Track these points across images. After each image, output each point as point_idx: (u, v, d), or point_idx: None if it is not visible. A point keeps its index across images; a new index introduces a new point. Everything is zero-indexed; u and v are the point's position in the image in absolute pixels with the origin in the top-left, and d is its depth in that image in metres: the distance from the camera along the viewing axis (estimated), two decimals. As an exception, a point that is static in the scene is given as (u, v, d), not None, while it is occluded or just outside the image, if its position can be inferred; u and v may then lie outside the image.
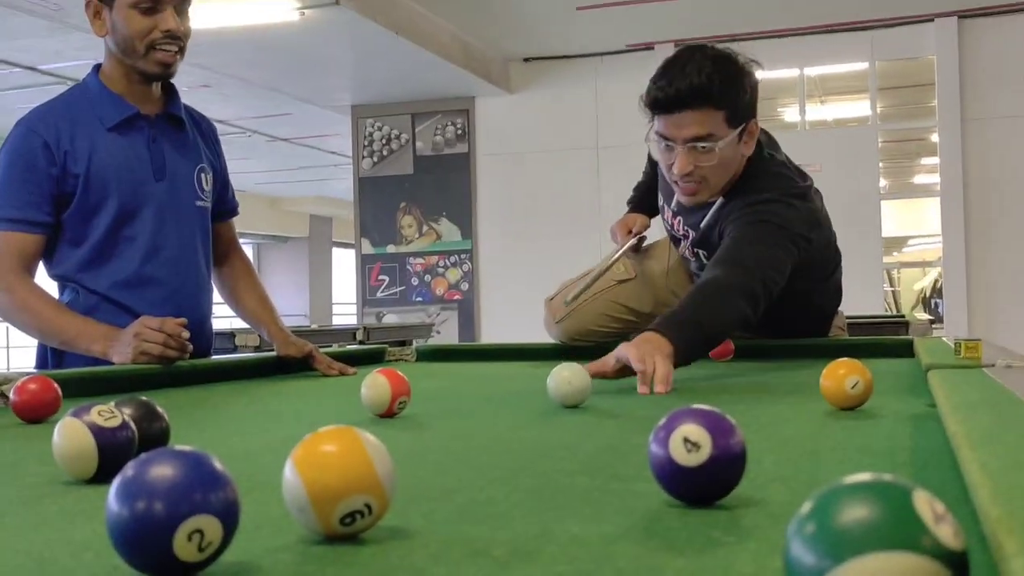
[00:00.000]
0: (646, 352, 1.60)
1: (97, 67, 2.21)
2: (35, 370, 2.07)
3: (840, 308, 2.52)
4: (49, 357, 2.15)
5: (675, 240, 2.38)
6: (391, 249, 8.84)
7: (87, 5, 2.11)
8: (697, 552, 0.57)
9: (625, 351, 1.62)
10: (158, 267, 2.18)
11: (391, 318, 8.72)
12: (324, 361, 2.23)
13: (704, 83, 1.94)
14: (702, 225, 2.18)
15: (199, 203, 2.27)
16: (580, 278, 2.58)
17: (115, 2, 2.07)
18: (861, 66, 7.93)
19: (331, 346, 2.59)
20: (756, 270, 1.89)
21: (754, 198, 2.04)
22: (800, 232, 2.00)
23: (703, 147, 1.99)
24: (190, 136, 2.29)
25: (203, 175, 2.28)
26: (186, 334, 1.98)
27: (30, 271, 2.12)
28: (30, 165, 2.08)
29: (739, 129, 2.01)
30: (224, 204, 2.41)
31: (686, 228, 2.26)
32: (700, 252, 2.24)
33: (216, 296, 2.40)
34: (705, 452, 0.68)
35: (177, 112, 2.25)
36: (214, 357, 2.31)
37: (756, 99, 2.07)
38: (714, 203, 2.13)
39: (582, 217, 8.06)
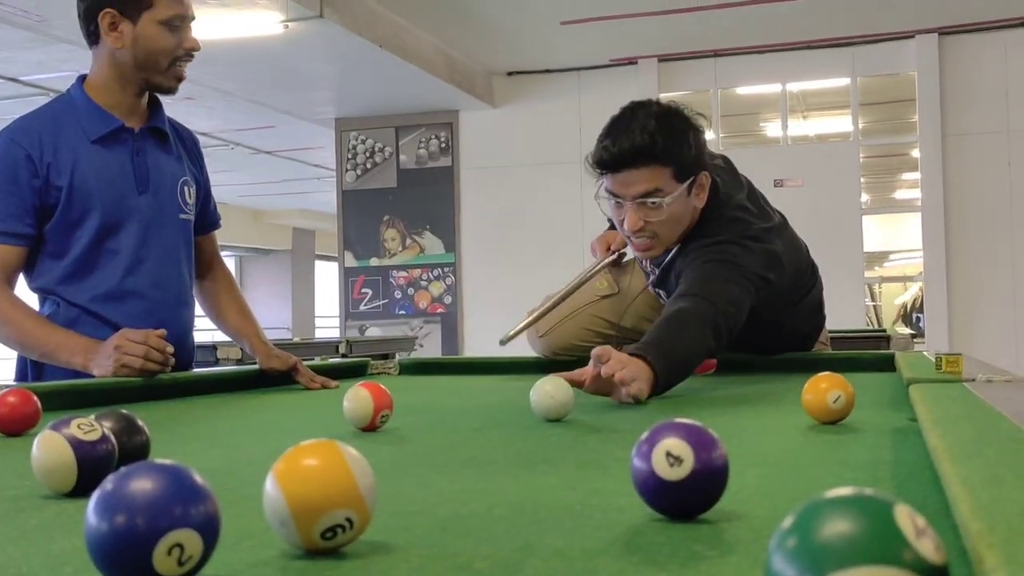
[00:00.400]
0: (628, 365, 1.61)
1: (82, 78, 2.20)
2: (14, 383, 2.05)
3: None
4: (29, 369, 2.13)
5: (644, 272, 2.40)
6: (374, 262, 8.83)
7: (101, 16, 2.08)
8: (679, 566, 0.57)
9: (607, 352, 1.63)
10: (140, 280, 2.16)
11: (374, 331, 8.70)
12: (307, 374, 2.22)
13: (647, 142, 1.94)
14: (661, 266, 2.20)
15: (182, 216, 2.26)
16: (563, 291, 2.58)
17: (142, 17, 2.07)
18: (843, 82, 7.99)
19: (314, 359, 2.58)
20: (718, 302, 1.90)
21: (709, 240, 2.04)
22: (755, 271, 2.00)
23: (652, 203, 2.00)
24: (174, 149, 2.28)
25: (186, 188, 2.27)
26: (170, 348, 1.97)
27: (10, 283, 2.10)
28: (12, 177, 2.07)
29: (687, 183, 2.01)
30: (206, 217, 2.40)
31: (651, 266, 2.27)
32: (659, 292, 2.26)
33: (198, 309, 2.39)
34: (687, 466, 0.68)
35: (161, 125, 2.24)
36: (195, 370, 2.30)
37: (704, 152, 2.07)
38: (671, 249, 2.15)
39: (565, 231, 8.08)
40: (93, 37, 2.13)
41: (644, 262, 2.31)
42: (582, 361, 2.11)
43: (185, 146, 2.34)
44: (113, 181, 2.13)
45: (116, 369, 1.92)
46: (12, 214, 2.06)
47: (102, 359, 1.95)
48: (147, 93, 2.20)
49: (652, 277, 2.27)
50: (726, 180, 2.16)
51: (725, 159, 2.32)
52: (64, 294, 2.12)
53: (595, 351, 1.64)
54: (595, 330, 2.46)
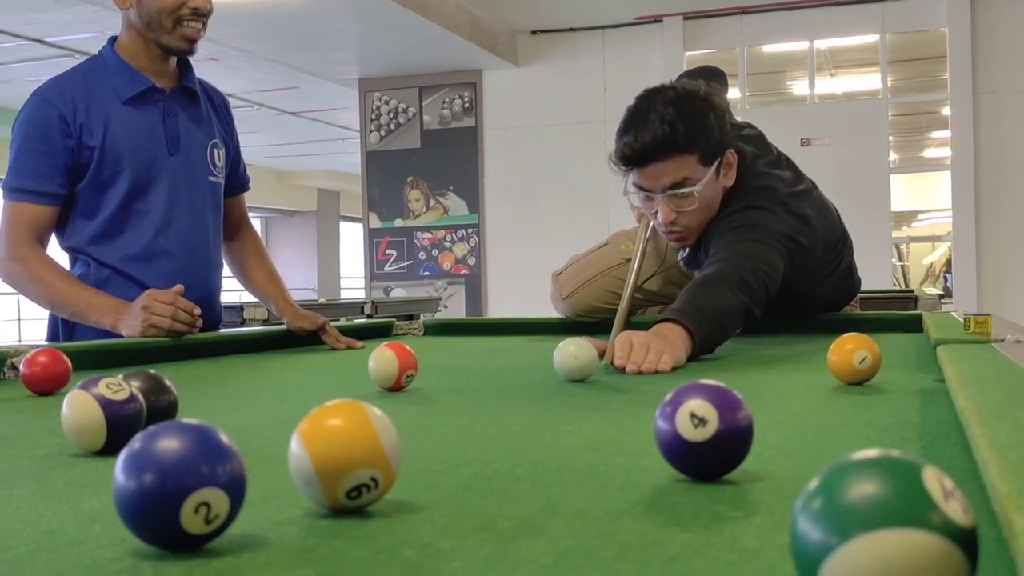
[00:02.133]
0: (651, 347, 1.55)
1: (113, 39, 2.21)
2: (46, 342, 2.08)
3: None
4: (60, 329, 2.16)
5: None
6: (399, 223, 8.83)
7: None
8: (703, 527, 0.57)
9: (624, 346, 1.54)
10: (170, 241, 2.18)
11: (398, 292, 8.73)
12: (333, 335, 2.24)
13: (669, 132, 1.90)
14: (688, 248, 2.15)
15: (211, 178, 2.28)
16: (588, 253, 2.57)
17: None
18: (872, 38, 7.87)
19: (339, 320, 2.60)
20: (743, 262, 1.86)
21: (734, 209, 2.01)
22: (783, 233, 1.96)
23: (682, 192, 1.96)
24: (204, 110, 2.29)
25: (216, 150, 2.29)
26: (197, 310, 1.98)
27: (42, 242, 2.13)
28: (45, 136, 2.09)
29: (715, 165, 1.97)
30: (236, 179, 2.42)
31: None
32: (692, 271, 2.22)
33: (225, 270, 2.41)
34: (712, 427, 0.68)
35: (192, 85, 2.25)
36: (222, 331, 2.31)
37: (727, 131, 2.01)
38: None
39: (589, 191, 8.04)
40: None
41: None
42: (605, 323, 2.10)
43: (215, 107, 2.35)
44: (144, 142, 2.15)
45: (144, 329, 1.94)
46: (44, 173, 2.08)
47: (130, 319, 1.97)
48: (181, 56, 2.20)
49: (683, 254, 2.23)
50: (752, 149, 2.13)
51: (752, 126, 2.29)
52: (95, 254, 2.15)
53: (616, 352, 1.53)
54: (619, 292, 2.45)
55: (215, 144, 2.29)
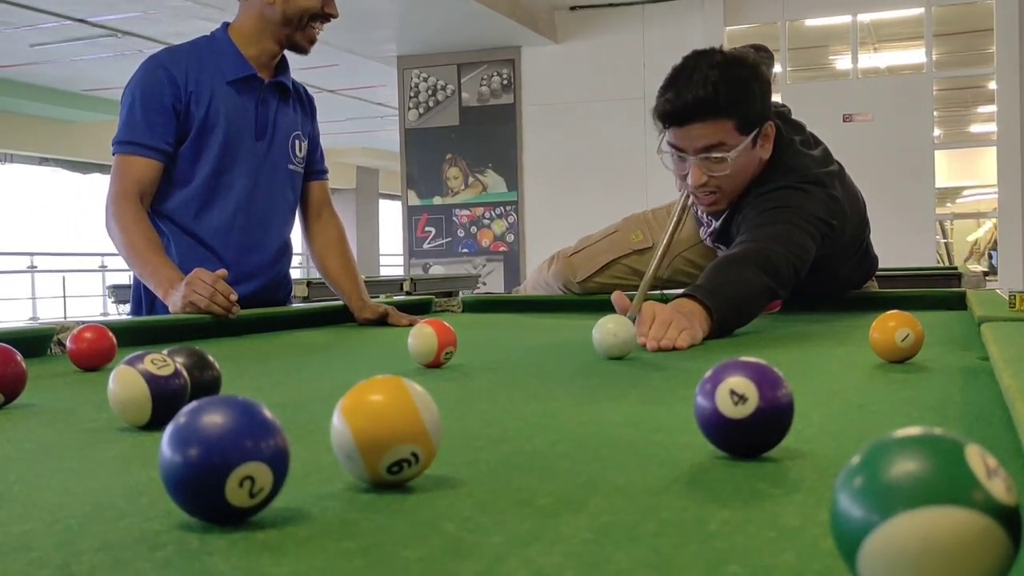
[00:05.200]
0: (673, 323, 1.54)
1: (226, 25, 2.37)
2: (130, 312, 2.27)
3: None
4: (143, 300, 2.30)
5: (698, 222, 2.34)
6: (437, 201, 8.85)
7: None
8: (743, 504, 0.57)
9: (645, 319, 1.54)
10: (249, 218, 2.33)
11: (437, 269, 8.75)
12: (395, 316, 2.33)
13: (711, 94, 1.88)
14: (721, 218, 2.14)
15: (290, 167, 2.42)
16: (600, 238, 2.61)
17: None
18: (916, 12, 7.73)
19: (379, 296, 2.64)
20: (771, 243, 1.84)
21: (768, 187, 1.99)
22: (815, 215, 1.93)
23: (716, 156, 1.94)
24: (292, 106, 2.44)
25: (298, 142, 2.44)
26: (234, 295, 2.04)
27: (142, 199, 2.23)
28: (156, 96, 2.22)
29: (752, 135, 1.95)
30: (313, 164, 2.54)
31: (708, 217, 2.22)
32: (719, 246, 2.20)
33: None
34: (752, 404, 0.68)
35: (286, 82, 2.41)
36: (264, 308, 2.34)
37: (769, 101, 2.00)
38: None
39: (628, 168, 8.00)
40: None
41: (703, 214, 2.25)
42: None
43: (303, 105, 2.50)
44: (237, 121, 2.30)
45: (183, 306, 2.01)
46: (152, 129, 2.22)
47: (175, 294, 2.04)
48: (300, 53, 2.37)
49: (712, 227, 2.20)
50: (785, 127, 2.11)
51: (783, 104, 2.26)
52: (181, 221, 2.28)
53: (638, 328, 1.53)
54: (629, 281, 2.47)
55: (297, 136, 2.43)
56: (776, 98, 2.28)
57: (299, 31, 2.30)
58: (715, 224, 2.18)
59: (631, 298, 1.87)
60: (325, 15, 2.32)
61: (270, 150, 2.36)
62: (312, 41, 2.35)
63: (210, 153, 2.26)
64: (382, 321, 2.33)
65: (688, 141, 1.96)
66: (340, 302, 2.44)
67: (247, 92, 2.32)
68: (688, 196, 2.23)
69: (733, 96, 1.91)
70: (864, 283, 2.44)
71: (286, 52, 2.39)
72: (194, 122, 2.24)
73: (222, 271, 2.05)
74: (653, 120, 2.01)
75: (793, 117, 2.23)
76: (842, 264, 2.22)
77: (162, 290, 2.10)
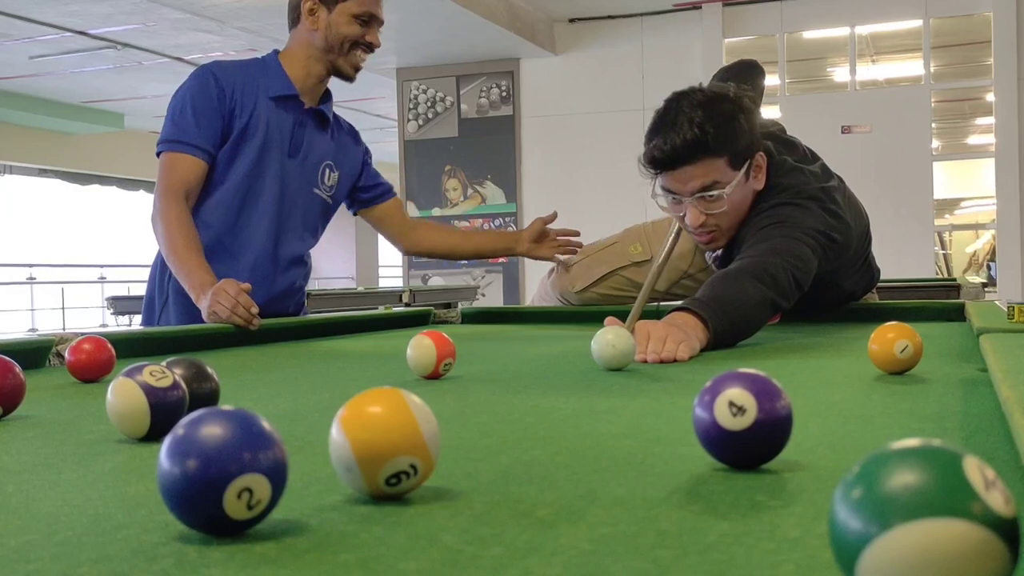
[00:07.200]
0: (669, 337, 1.54)
1: (276, 52, 2.49)
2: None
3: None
4: (156, 302, 2.40)
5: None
6: (436, 212, 8.86)
7: (304, 3, 2.40)
8: (741, 516, 0.57)
9: (643, 335, 1.54)
10: (269, 227, 2.40)
11: (436, 281, 8.76)
12: (554, 236, 2.70)
13: (698, 135, 1.88)
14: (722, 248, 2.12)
15: (315, 190, 2.51)
16: (600, 248, 2.61)
17: (336, 7, 2.39)
18: (915, 24, 7.76)
19: (378, 308, 2.65)
20: (770, 256, 1.83)
21: (765, 207, 1.98)
22: (814, 228, 1.92)
23: (711, 196, 1.94)
24: (331, 136, 2.53)
25: (327, 170, 2.53)
26: (255, 308, 2.09)
27: (187, 198, 2.30)
28: (206, 99, 2.33)
29: (744, 168, 1.95)
30: (378, 188, 2.70)
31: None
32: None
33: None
34: (750, 416, 0.67)
35: (326, 112, 2.52)
36: (262, 320, 2.34)
37: (756, 132, 1.98)
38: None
39: (627, 179, 7.97)
40: (294, 19, 2.44)
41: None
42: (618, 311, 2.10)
43: (342, 138, 2.59)
44: (274, 135, 2.39)
45: (209, 315, 2.08)
46: (199, 130, 2.31)
47: (204, 301, 2.11)
48: (346, 80, 2.47)
49: (714, 255, 2.20)
50: (779, 146, 2.10)
51: (775, 123, 2.26)
52: (210, 222, 2.35)
53: (636, 336, 1.53)
54: (627, 292, 2.47)
55: (328, 165, 2.53)
56: (774, 113, 2.28)
57: (342, 57, 2.41)
58: (715, 253, 2.18)
59: (624, 319, 1.85)
60: (367, 44, 2.43)
61: (300, 170, 2.45)
62: (356, 68, 2.45)
63: (245, 156, 2.36)
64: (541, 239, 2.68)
65: (681, 184, 1.95)
66: (345, 313, 2.51)
67: (287, 111, 2.42)
68: (675, 228, 2.24)
69: (720, 134, 1.90)
70: (865, 295, 2.44)
71: (331, 84, 2.50)
72: (235, 128, 2.35)
73: (246, 284, 2.11)
74: (642, 167, 1.99)
75: (788, 135, 2.22)
76: (847, 277, 2.22)
77: (194, 293, 2.17)
